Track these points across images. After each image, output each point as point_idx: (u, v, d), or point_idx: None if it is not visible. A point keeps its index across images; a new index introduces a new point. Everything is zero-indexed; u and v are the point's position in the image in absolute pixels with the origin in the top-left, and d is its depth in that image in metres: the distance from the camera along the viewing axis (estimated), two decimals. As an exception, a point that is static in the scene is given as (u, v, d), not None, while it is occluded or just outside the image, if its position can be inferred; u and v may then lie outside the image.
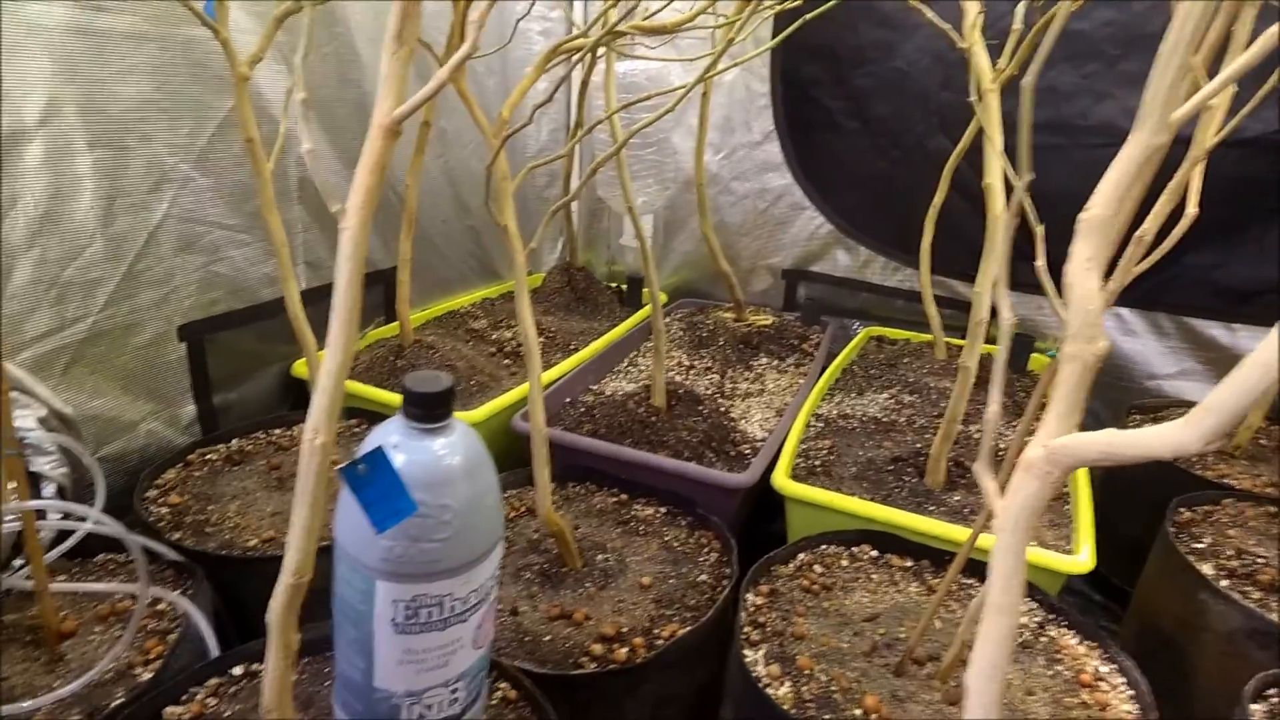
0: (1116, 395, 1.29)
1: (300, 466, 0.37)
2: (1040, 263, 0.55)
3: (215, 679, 0.56)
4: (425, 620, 0.46)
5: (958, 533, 0.82)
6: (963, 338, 1.35)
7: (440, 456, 0.45)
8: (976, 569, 0.79)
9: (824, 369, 1.21)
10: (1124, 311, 1.29)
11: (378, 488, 0.41)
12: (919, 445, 1.02)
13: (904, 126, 1.32)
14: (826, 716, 0.62)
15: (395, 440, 0.45)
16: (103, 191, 0.77)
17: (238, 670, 0.57)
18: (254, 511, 0.77)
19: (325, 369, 0.36)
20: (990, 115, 0.79)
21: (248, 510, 0.77)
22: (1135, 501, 1.02)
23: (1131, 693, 0.67)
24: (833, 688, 0.65)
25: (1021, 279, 1.13)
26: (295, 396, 1.03)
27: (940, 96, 1.28)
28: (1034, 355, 1.30)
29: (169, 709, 0.54)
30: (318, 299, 1.04)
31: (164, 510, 0.75)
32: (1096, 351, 0.32)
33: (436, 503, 0.44)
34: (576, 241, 1.45)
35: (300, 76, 0.37)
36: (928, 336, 1.33)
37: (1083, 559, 0.79)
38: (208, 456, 0.85)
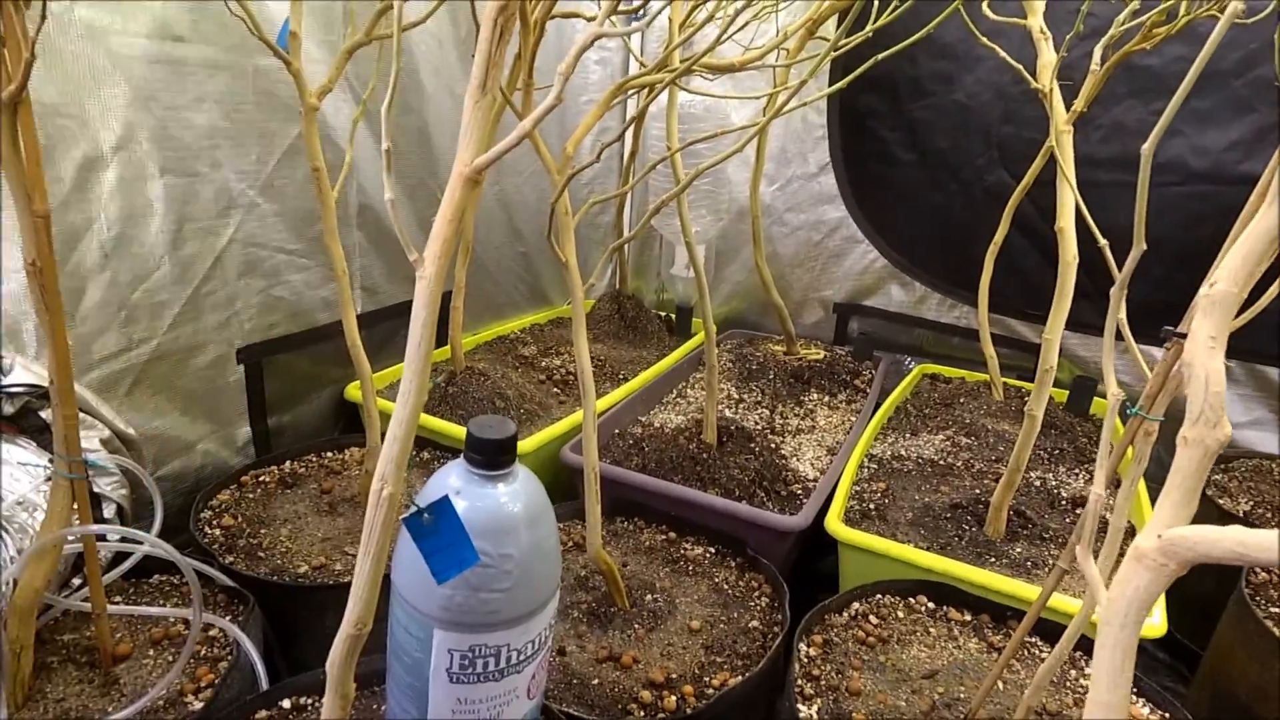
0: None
1: (367, 517, 0.36)
2: (1118, 311, 0.52)
3: (265, 712, 0.56)
4: (481, 670, 0.44)
5: (1022, 589, 0.78)
6: (1019, 378, 1.31)
7: (503, 504, 0.44)
8: (1042, 628, 0.75)
9: (877, 406, 1.18)
10: (1193, 354, 1.23)
11: (441, 537, 0.40)
12: (977, 491, 0.98)
13: (963, 160, 1.29)
14: (885, 783, 0.59)
15: (457, 486, 0.44)
16: (173, 216, 0.79)
17: (286, 704, 0.57)
18: (305, 536, 0.77)
19: (397, 418, 0.35)
20: (1065, 156, 0.76)
21: (299, 534, 0.77)
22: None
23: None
24: (891, 751, 0.62)
25: (1081, 319, 1.09)
26: (348, 419, 1.04)
27: (1001, 130, 1.24)
28: (1096, 400, 1.25)
29: (219, 739, 0.54)
30: (373, 323, 1.05)
31: (217, 532, 0.76)
32: (1220, 437, 0.30)
33: (498, 552, 0.43)
34: (627, 269, 1.44)
35: (387, 128, 0.36)
36: (984, 376, 1.29)
37: (1155, 622, 0.74)
38: (261, 478, 0.85)
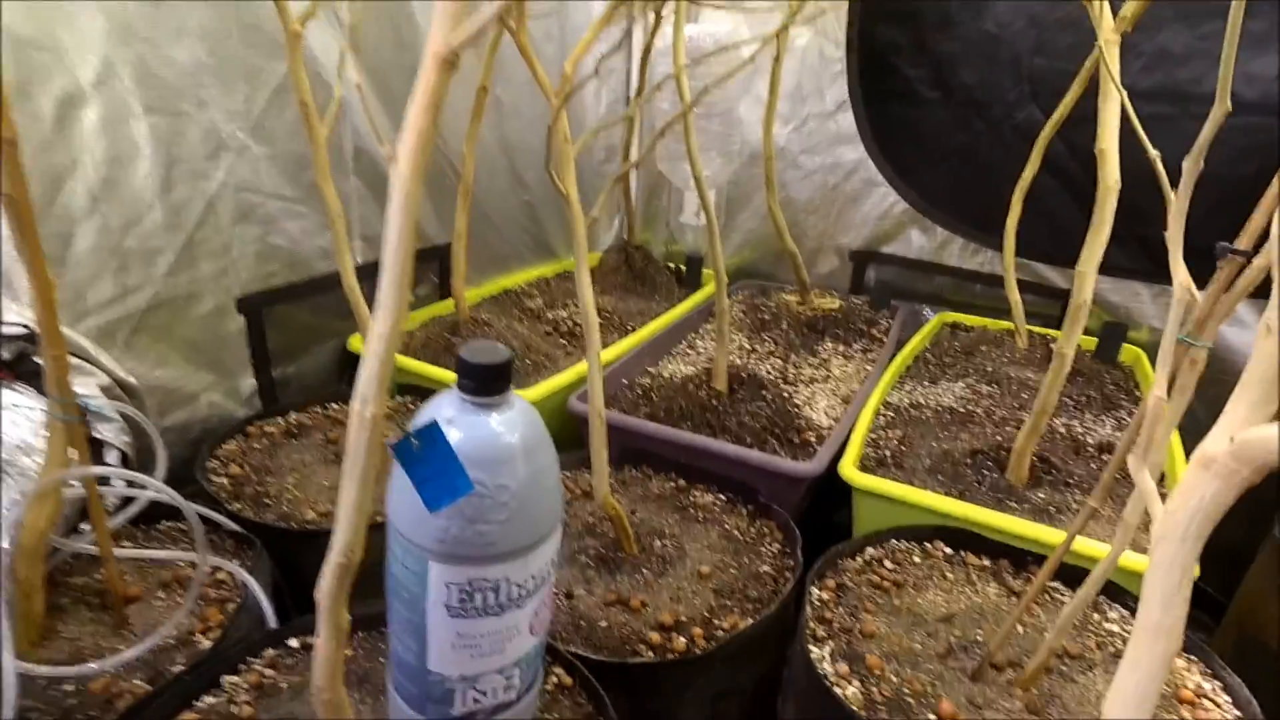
0: (1217, 392, 1.18)
1: (349, 441, 0.35)
2: (1174, 236, 0.49)
3: (272, 650, 0.56)
4: (480, 605, 0.44)
5: (1044, 533, 0.77)
6: (1045, 325, 1.28)
7: (498, 433, 0.43)
8: (1063, 574, 0.74)
9: (894, 356, 1.15)
10: (1233, 299, 1.18)
11: (432, 465, 0.39)
12: (999, 438, 0.96)
13: (991, 96, 1.23)
14: (899, 722, 0.58)
15: (450, 415, 0.43)
16: (160, 158, 0.77)
17: (294, 643, 0.57)
18: (311, 484, 0.78)
19: (375, 333, 0.34)
20: (1112, 67, 0.71)
21: (305, 483, 0.78)
22: (1233, 508, 0.93)
23: (1238, 713, 0.61)
24: (905, 690, 0.61)
25: (1113, 262, 1.05)
26: (352, 371, 1.03)
27: (1033, 63, 1.19)
28: (1126, 346, 1.21)
29: (228, 678, 0.54)
30: (374, 274, 1.03)
31: (224, 481, 0.76)
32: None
33: (494, 482, 0.42)
34: (635, 219, 1.41)
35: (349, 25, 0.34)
36: (1007, 324, 1.26)
37: (1187, 567, 0.72)
38: (267, 429, 0.85)
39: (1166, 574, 0.28)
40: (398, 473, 0.44)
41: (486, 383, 0.43)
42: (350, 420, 0.35)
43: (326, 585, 0.38)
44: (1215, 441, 0.27)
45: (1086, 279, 0.82)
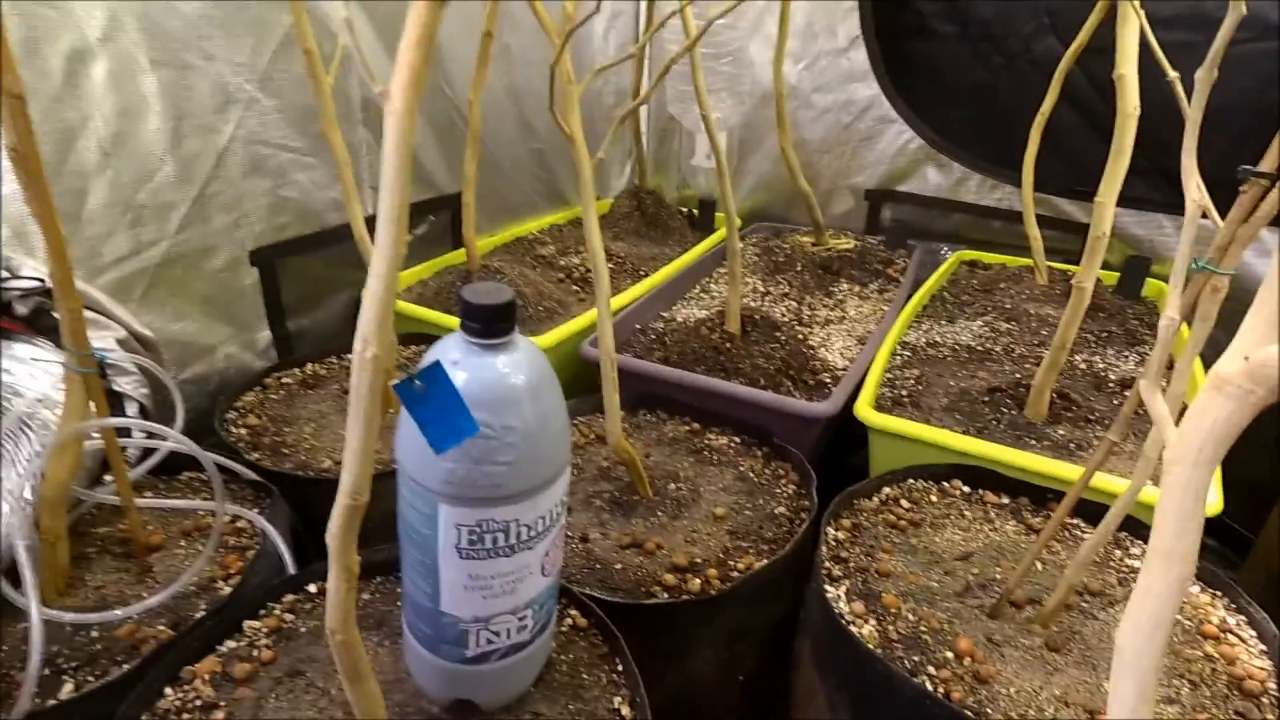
0: (1239, 324, 1.14)
1: (352, 382, 0.33)
2: (1189, 147, 0.45)
3: (291, 595, 0.56)
4: (491, 546, 0.43)
5: (1063, 469, 0.74)
6: (1066, 261, 1.22)
7: (503, 374, 0.41)
8: (1083, 510, 0.71)
9: (910, 295, 1.12)
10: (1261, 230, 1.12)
11: (436, 406, 0.37)
12: (1017, 375, 0.93)
13: (1009, 29, 1.16)
14: (915, 658, 0.57)
15: (454, 357, 0.41)
16: (169, 112, 0.75)
17: (313, 588, 0.57)
18: (328, 434, 0.77)
19: (374, 273, 0.31)
20: (1132, -14, 0.66)
21: (322, 432, 0.77)
22: (1259, 442, 0.90)
23: (1264, 647, 0.59)
24: (921, 628, 0.60)
25: (1134, 194, 1.00)
26: None
27: (1052, -10, 1.11)
28: (1150, 281, 1.16)
29: (248, 622, 0.54)
30: (385, 224, 1.01)
31: (242, 432, 0.76)
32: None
33: (500, 423, 0.40)
34: (646, 164, 1.36)
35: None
36: (1027, 260, 1.21)
37: (1211, 500, 0.70)
38: (283, 380, 0.84)
39: (1179, 498, 0.26)
40: (405, 416, 0.42)
41: (490, 324, 0.41)
42: (353, 362, 0.33)
43: (335, 527, 0.36)
44: (1229, 362, 0.24)
45: (1106, 210, 0.78)
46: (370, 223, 0.74)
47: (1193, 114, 0.44)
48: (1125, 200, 1.23)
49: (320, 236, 0.91)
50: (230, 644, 0.53)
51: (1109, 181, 0.77)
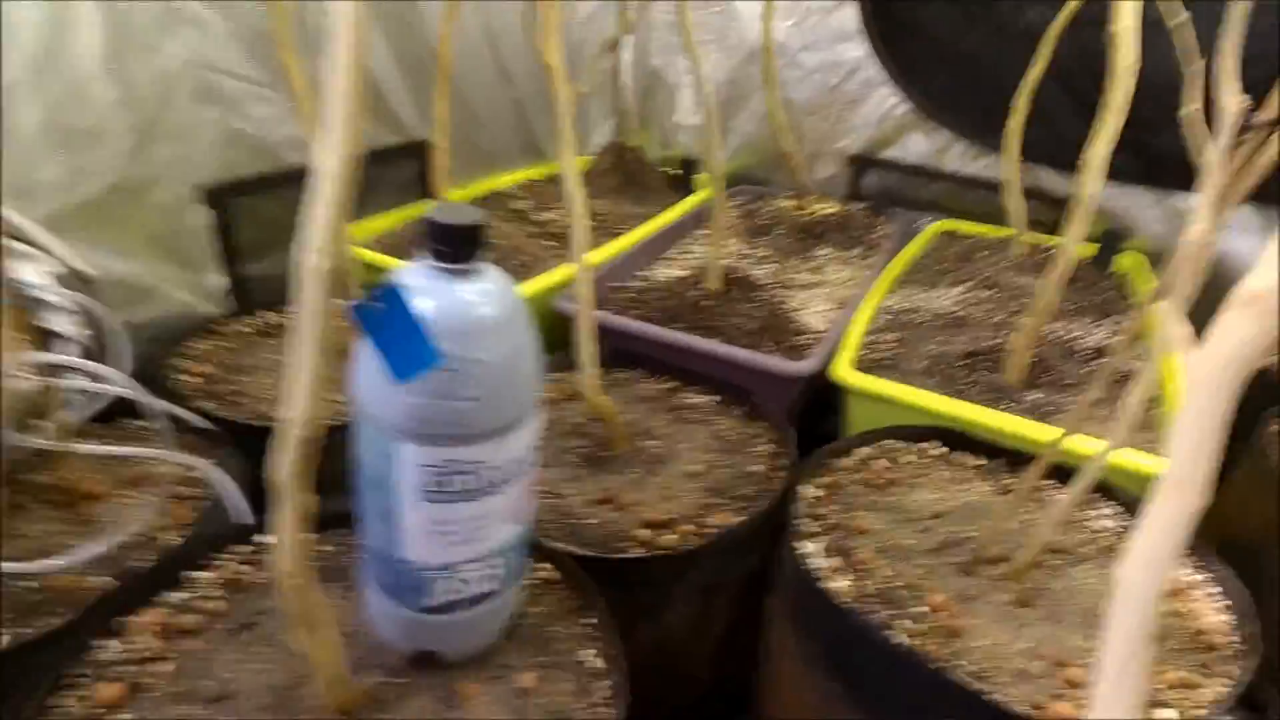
0: (1214, 298, 1.15)
1: (301, 296, 0.30)
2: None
3: (246, 546, 0.53)
4: (456, 489, 0.40)
5: (1040, 431, 0.74)
6: (1046, 233, 1.22)
7: (469, 303, 0.38)
8: (1055, 472, 0.71)
9: (890, 261, 1.10)
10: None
11: (396, 331, 0.34)
12: (996, 341, 0.92)
13: (1001, -8, 1.14)
14: (889, 612, 0.56)
15: (418, 283, 0.38)
16: (104, 27, 0.69)
17: (270, 538, 0.54)
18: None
19: (324, 174, 0.28)
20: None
21: (282, 383, 0.73)
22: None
23: (1227, 602, 0.59)
24: (896, 583, 0.59)
25: (1115, 167, 1.00)
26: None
27: (1046, -48, 1.09)
28: (1121, 256, 1.16)
29: (199, 573, 0.51)
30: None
31: (195, 380, 0.72)
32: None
33: (466, 356, 0.37)
34: (630, 117, 1.32)
35: None
36: (1006, 231, 1.20)
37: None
38: (240, 328, 0.80)
39: (1195, 424, 0.24)
40: (361, 347, 0.39)
41: (456, 247, 0.38)
42: (301, 275, 0.30)
43: (285, 462, 0.34)
44: (1260, 279, 0.23)
45: (1093, 169, 0.77)
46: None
47: (1230, 38, 0.42)
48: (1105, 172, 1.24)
49: (279, 177, 0.85)
50: (179, 595, 0.50)
51: (1099, 140, 0.75)
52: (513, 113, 1.21)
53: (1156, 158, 1.14)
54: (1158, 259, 1.14)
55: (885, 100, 1.25)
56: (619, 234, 1.10)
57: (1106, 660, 0.25)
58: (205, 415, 0.64)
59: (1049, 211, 1.23)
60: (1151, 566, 0.25)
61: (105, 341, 0.60)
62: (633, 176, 1.25)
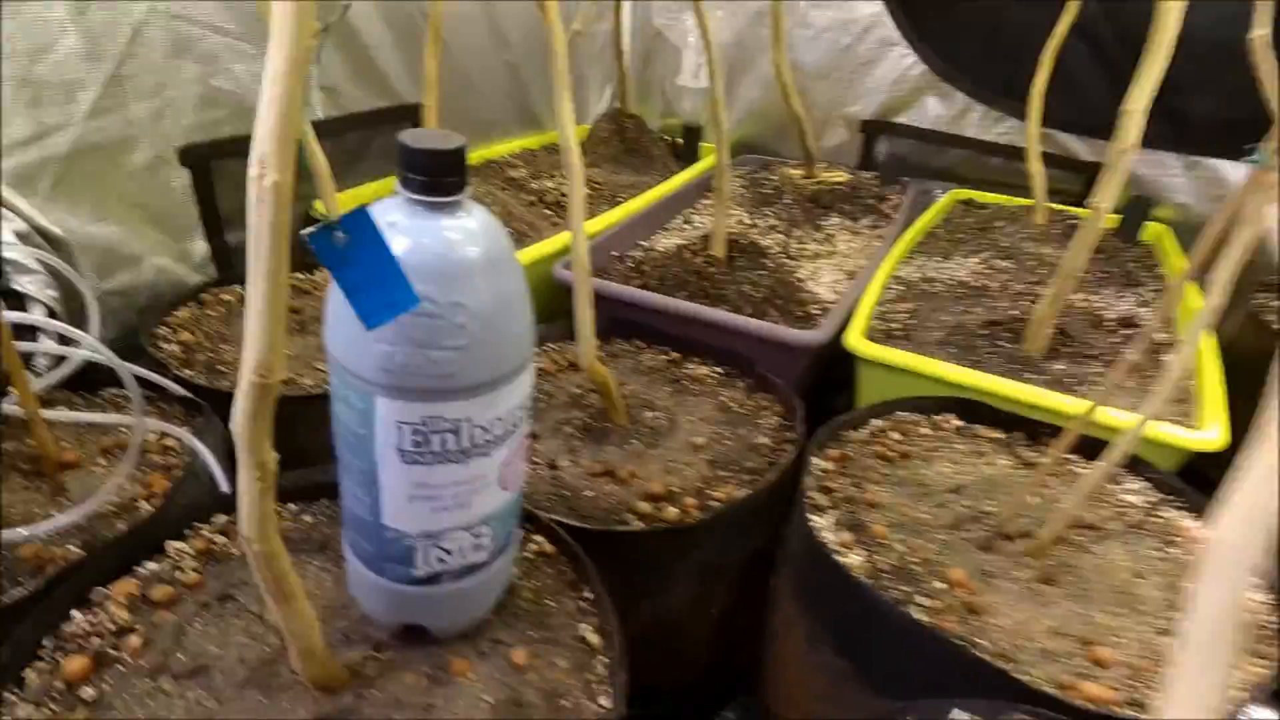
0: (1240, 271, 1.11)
1: (250, 221, 0.27)
2: None
3: (223, 516, 0.51)
4: (439, 449, 0.37)
5: (1063, 403, 0.71)
6: (1065, 202, 1.18)
7: (451, 240, 0.35)
8: (1081, 446, 0.68)
9: (903, 232, 1.07)
10: (1264, 173, 1.09)
11: (366, 268, 0.31)
12: (1014, 311, 0.89)
13: (1023, -57, 1.09)
14: (905, 588, 0.54)
15: (392, 218, 0.35)
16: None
17: (244, 506, 0.51)
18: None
19: (271, 72, 0.25)
20: None
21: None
22: (1261, 383, 0.87)
23: (1258, 580, 0.56)
24: (911, 559, 0.56)
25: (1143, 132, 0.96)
26: None
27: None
28: (1149, 224, 1.12)
29: (173, 543, 0.49)
30: (338, 131, 0.93)
31: (175, 348, 0.69)
32: None
33: (447, 300, 0.35)
34: (629, 84, 1.28)
35: None
36: (1024, 200, 1.17)
37: (1212, 435, 0.67)
38: (222, 296, 0.78)
39: None
40: (333, 294, 0.36)
41: (435, 177, 0.35)
42: (249, 194, 0.27)
43: (241, 413, 0.31)
44: None
45: (1134, 120, 0.72)
46: (321, 128, 0.67)
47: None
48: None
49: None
50: (151, 566, 0.47)
51: (1141, 85, 0.70)
52: (508, 77, 1.17)
53: (1187, 121, 1.10)
54: (1184, 229, 1.10)
55: (900, 60, 1.21)
56: (619, 203, 1.07)
57: (1186, 649, 0.21)
58: (185, 384, 0.61)
59: (1072, 178, 1.19)
60: (1253, 522, 0.21)
61: (78, 306, 0.58)
62: (633, 145, 1.22)
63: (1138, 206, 1.12)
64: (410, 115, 1.00)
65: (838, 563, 0.54)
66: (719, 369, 0.79)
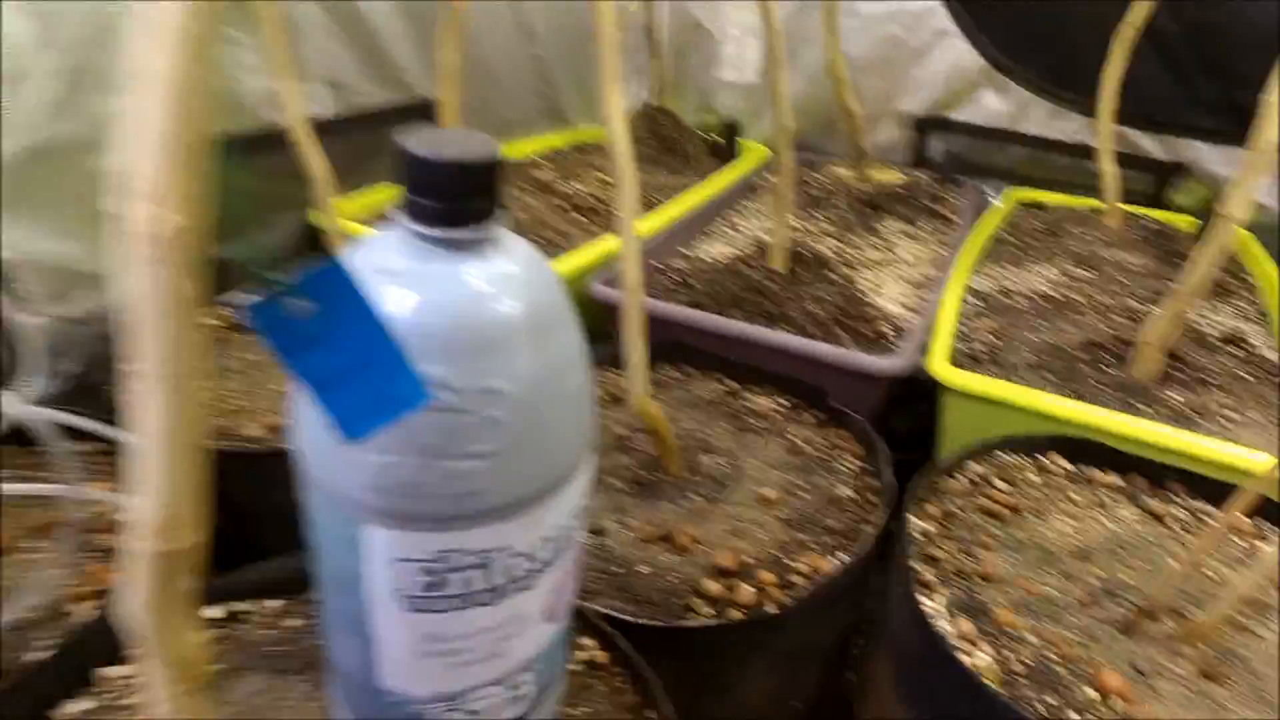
0: None
1: (127, 295, 0.14)
2: None
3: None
4: (461, 592, 0.24)
5: (1189, 443, 0.57)
6: (1133, 203, 1.04)
7: (481, 296, 0.22)
8: (1206, 490, 0.54)
9: (968, 236, 0.92)
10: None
11: (344, 349, 0.18)
12: (1107, 329, 0.75)
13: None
14: (1049, 700, 0.40)
15: (391, 262, 0.22)
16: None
17: (217, 611, 0.38)
18: (262, 391, 0.57)
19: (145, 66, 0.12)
20: None
21: (255, 390, 0.57)
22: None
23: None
24: (1049, 655, 0.43)
25: (1221, 129, 0.83)
26: (315, 249, 0.81)
27: None
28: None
29: (108, 670, 0.35)
30: (345, 131, 0.80)
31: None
32: None
33: (474, 386, 0.21)
34: (665, 76, 1.13)
35: None
36: (1091, 201, 1.02)
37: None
38: (205, 322, 0.64)
39: None
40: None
41: (455, 201, 0.21)
42: (123, 248, 0.14)
43: (140, 597, 0.18)
44: None
45: (1275, 111, 0.58)
46: (323, 129, 0.53)
47: None
48: (1203, 132, 1.04)
49: (252, 139, 0.68)
50: (77, 706, 0.34)
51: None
52: (534, 72, 1.03)
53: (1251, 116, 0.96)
54: (1264, 230, 0.95)
55: (955, 51, 1.06)
56: (656, 206, 0.93)
57: None
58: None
59: (1141, 177, 1.04)
60: None
61: (13, 343, 0.45)
62: (669, 143, 1.07)
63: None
64: (425, 112, 0.87)
65: (964, 666, 0.41)
66: (783, 400, 0.65)
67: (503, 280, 0.22)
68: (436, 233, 0.21)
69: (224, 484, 0.44)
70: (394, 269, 0.21)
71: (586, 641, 0.40)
